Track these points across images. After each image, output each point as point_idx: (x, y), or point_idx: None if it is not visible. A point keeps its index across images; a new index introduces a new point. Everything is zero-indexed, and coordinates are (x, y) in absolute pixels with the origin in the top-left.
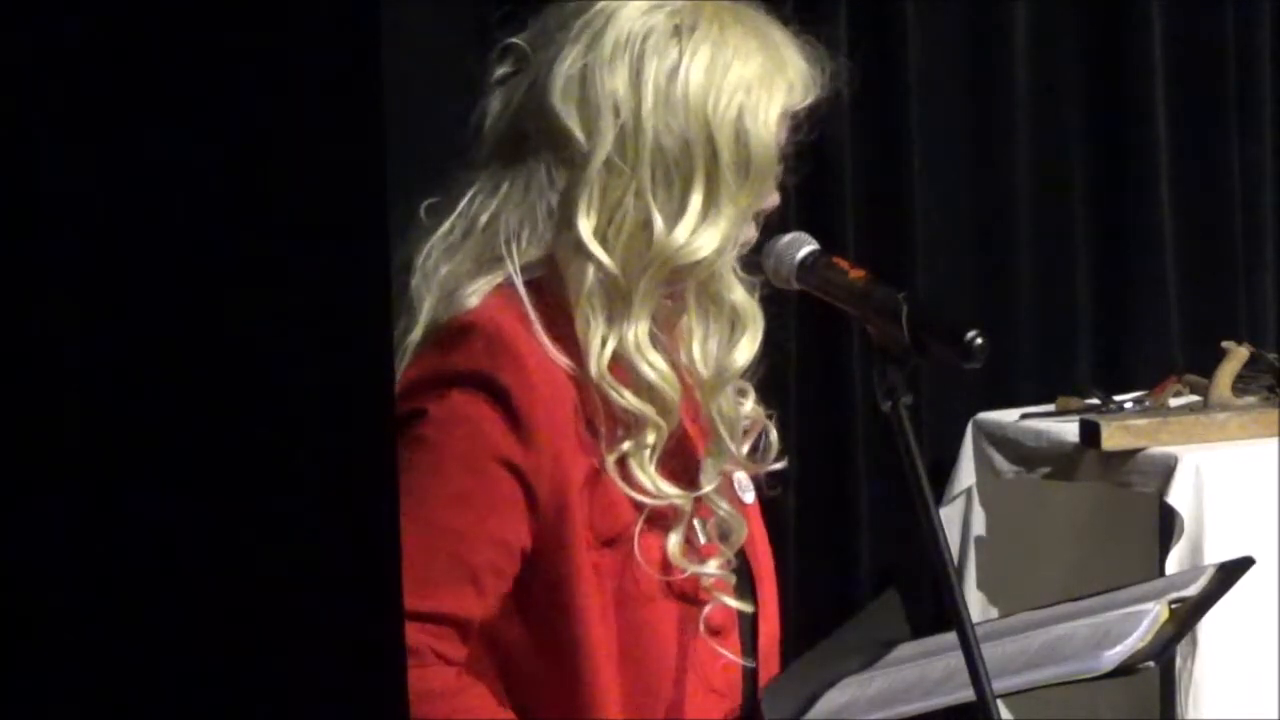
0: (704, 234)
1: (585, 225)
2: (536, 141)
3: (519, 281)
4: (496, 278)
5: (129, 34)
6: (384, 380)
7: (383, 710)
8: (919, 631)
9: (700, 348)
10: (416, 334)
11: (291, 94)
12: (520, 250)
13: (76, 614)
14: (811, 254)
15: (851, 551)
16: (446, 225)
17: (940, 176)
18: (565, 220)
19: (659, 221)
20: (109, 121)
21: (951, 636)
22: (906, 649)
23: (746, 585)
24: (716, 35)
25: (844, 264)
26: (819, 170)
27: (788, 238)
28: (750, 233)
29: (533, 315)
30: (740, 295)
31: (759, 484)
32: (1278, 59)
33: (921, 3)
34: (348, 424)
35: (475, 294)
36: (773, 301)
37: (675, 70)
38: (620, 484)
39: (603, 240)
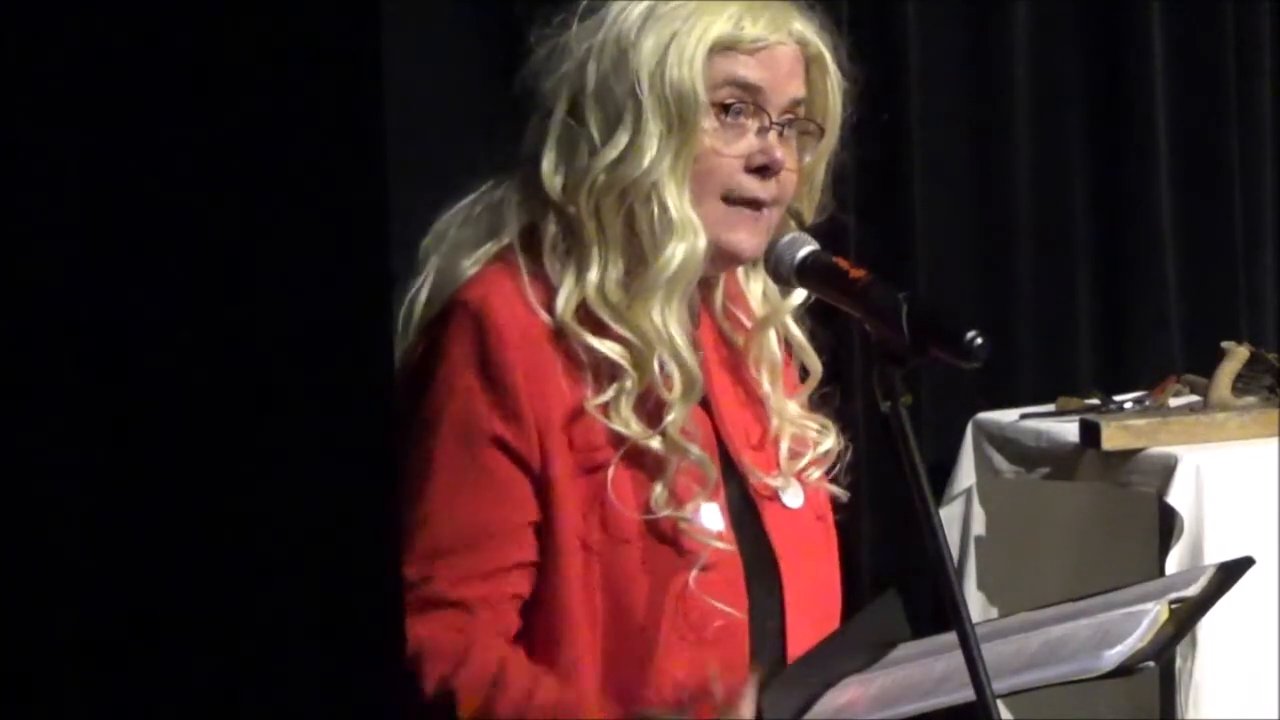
0: (631, 158)
1: (548, 173)
2: (538, 121)
3: (516, 244)
4: (500, 243)
5: (130, 34)
6: (384, 378)
7: (382, 708)
8: (919, 631)
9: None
10: (422, 294)
11: (292, 94)
12: (520, 215)
13: (74, 610)
14: (811, 254)
15: (852, 551)
16: (471, 196)
17: (940, 176)
18: (538, 177)
19: (597, 154)
20: (109, 122)
21: (951, 636)
22: (906, 649)
23: (767, 580)
24: None
25: (844, 264)
26: None
27: (788, 238)
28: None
29: (525, 276)
30: (681, 210)
31: (822, 501)
32: (1278, 59)
33: (922, 2)
34: (347, 423)
35: (475, 264)
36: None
37: (618, 17)
38: (601, 420)
39: (563, 189)
